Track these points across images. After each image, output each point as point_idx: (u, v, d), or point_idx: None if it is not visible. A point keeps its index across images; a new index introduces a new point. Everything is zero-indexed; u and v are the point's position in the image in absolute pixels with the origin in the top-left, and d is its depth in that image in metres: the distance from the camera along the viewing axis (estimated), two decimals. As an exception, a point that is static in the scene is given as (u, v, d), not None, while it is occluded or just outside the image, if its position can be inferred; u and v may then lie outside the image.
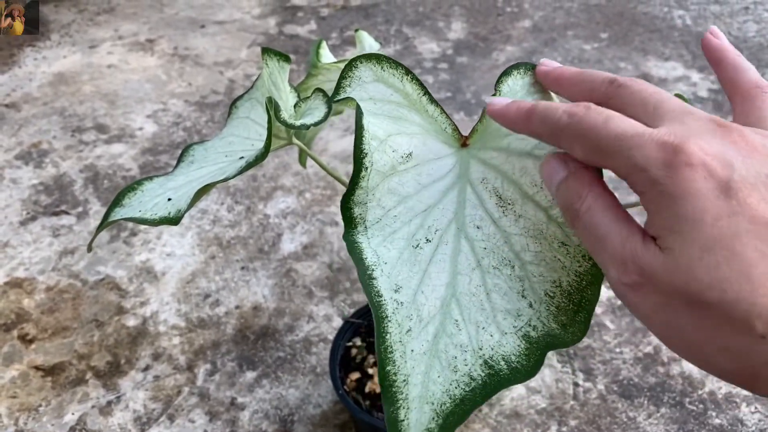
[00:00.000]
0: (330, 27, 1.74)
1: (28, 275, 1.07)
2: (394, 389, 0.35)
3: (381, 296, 0.36)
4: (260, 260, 1.08)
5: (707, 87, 1.47)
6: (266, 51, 0.51)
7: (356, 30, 0.66)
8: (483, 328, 0.36)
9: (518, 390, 0.89)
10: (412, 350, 0.36)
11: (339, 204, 1.17)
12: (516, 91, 0.40)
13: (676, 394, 0.88)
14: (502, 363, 0.36)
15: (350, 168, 1.26)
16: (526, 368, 0.36)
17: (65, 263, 1.09)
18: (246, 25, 1.76)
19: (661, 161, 0.28)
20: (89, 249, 0.57)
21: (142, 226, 1.14)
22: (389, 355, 0.36)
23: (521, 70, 0.40)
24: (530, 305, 0.36)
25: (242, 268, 1.07)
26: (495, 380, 0.36)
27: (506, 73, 0.40)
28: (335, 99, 0.40)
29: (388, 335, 0.36)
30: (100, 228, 0.53)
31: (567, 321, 0.36)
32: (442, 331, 0.36)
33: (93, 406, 0.89)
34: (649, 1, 1.83)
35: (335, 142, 1.33)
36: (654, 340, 0.94)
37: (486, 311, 0.37)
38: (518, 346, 0.36)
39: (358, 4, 1.85)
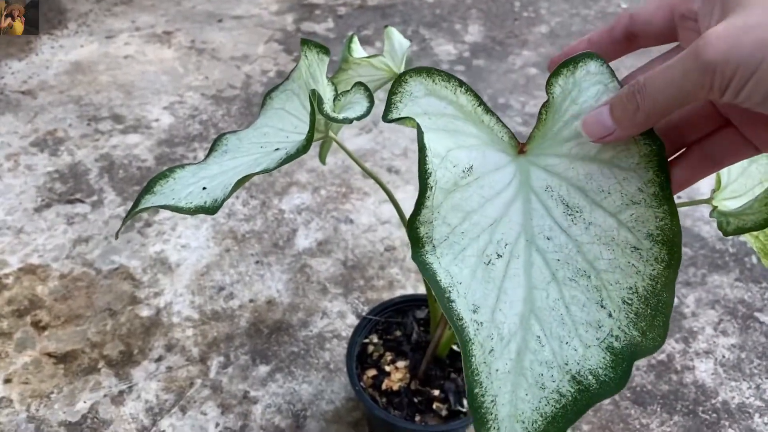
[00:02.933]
0: (347, 26, 1.74)
1: (42, 262, 1.07)
2: (483, 410, 0.35)
3: (462, 319, 0.36)
4: (275, 255, 1.08)
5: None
6: (306, 43, 0.51)
7: (386, 26, 0.66)
8: (566, 342, 0.36)
9: (531, 393, 0.89)
10: (497, 370, 0.36)
11: (353, 202, 1.17)
12: (570, 89, 0.40)
13: (689, 403, 0.88)
14: (590, 377, 0.35)
15: (365, 166, 1.26)
16: (614, 380, 0.35)
17: (79, 251, 1.09)
18: (263, 21, 1.76)
19: None
20: (116, 236, 0.57)
21: (158, 217, 1.14)
22: (476, 378, 0.35)
23: (570, 66, 0.40)
24: (609, 315, 0.36)
25: (257, 262, 1.07)
26: (586, 396, 0.35)
27: (555, 73, 0.40)
28: (390, 118, 0.39)
29: (473, 358, 0.36)
30: (130, 214, 0.53)
31: (646, 327, 0.36)
32: (525, 348, 0.36)
33: (105, 395, 0.89)
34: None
35: (350, 140, 1.33)
36: (667, 347, 0.94)
37: (567, 325, 0.36)
38: (603, 358, 0.36)
39: (375, 4, 1.85)
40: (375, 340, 0.80)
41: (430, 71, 0.40)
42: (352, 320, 0.98)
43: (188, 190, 0.50)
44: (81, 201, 1.19)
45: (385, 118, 0.39)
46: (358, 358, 0.78)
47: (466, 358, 0.36)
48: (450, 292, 0.37)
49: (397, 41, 0.67)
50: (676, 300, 1.01)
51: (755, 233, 0.46)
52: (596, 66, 0.40)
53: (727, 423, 0.86)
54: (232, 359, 0.93)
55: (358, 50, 0.63)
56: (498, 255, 0.38)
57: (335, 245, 1.10)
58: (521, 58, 1.61)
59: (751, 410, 0.87)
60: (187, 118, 1.39)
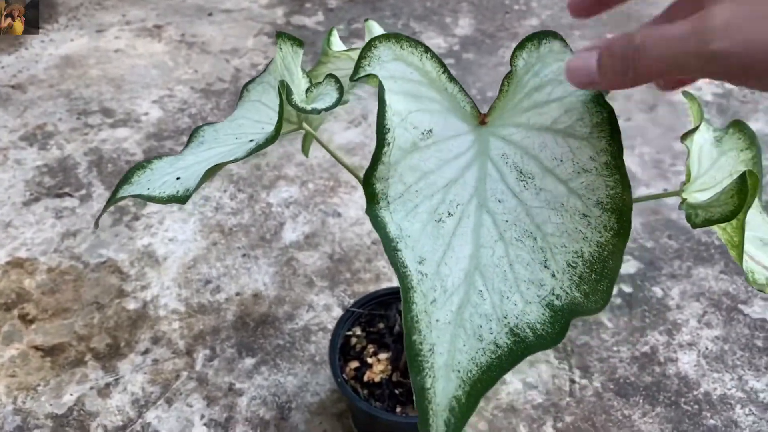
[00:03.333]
0: (337, 18, 1.74)
1: (30, 255, 1.07)
2: (420, 358, 0.36)
3: (406, 267, 0.37)
4: (261, 248, 1.09)
5: (711, 91, 1.47)
6: (280, 35, 0.51)
7: (366, 20, 0.67)
8: (507, 297, 0.37)
9: (515, 385, 0.89)
10: (438, 320, 0.37)
11: (341, 195, 1.18)
12: (533, 63, 0.41)
13: (671, 394, 0.89)
14: (528, 330, 0.37)
15: (354, 160, 1.26)
16: (551, 335, 0.36)
17: (67, 245, 1.09)
18: (253, 14, 1.76)
19: None
20: (96, 225, 0.57)
21: (145, 210, 1.15)
22: (415, 325, 0.36)
23: (535, 42, 0.41)
24: (553, 275, 0.37)
25: (243, 255, 1.07)
26: (521, 347, 0.36)
27: (520, 47, 0.41)
28: (356, 77, 0.40)
29: (414, 305, 0.37)
30: (108, 203, 0.53)
31: (589, 290, 0.37)
32: (467, 301, 0.37)
33: (91, 388, 0.89)
34: (656, 2, 1.83)
35: (340, 134, 1.33)
36: (651, 339, 0.95)
37: (509, 281, 0.37)
38: (543, 314, 0.37)
39: (366, -3, 1.85)
40: (358, 332, 0.81)
41: (398, 37, 0.41)
42: (338, 313, 0.98)
43: (163, 179, 0.50)
44: (69, 195, 1.19)
45: (352, 78, 0.40)
46: (342, 351, 0.79)
47: (407, 305, 0.36)
48: (397, 242, 0.38)
49: (377, 34, 0.68)
50: (660, 292, 1.01)
51: (723, 225, 0.46)
52: (560, 45, 0.41)
53: (708, 414, 0.86)
54: (218, 352, 0.93)
55: (337, 44, 0.63)
56: (449, 213, 0.39)
57: (322, 238, 1.10)
58: (511, 52, 1.61)
59: (732, 401, 0.88)
60: (176, 111, 1.39)
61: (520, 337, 0.36)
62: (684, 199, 0.47)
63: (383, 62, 0.41)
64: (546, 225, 0.38)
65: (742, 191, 0.40)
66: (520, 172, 0.39)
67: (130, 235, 1.10)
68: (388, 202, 0.38)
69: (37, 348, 0.94)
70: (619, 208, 0.37)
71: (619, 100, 1.45)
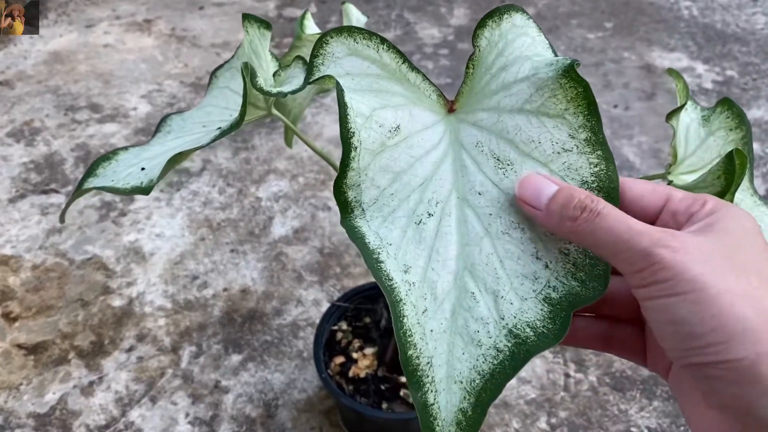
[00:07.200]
0: (330, 10, 1.71)
1: (15, 253, 1.05)
2: (419, 373, 0.34)
3: (391, 279, 0.34)
4: (250, 243, 1.06)
5: (712, 78, 1.44)
6: (247, 18, 0.49)
7: (343, 2, 0.64)
8: (501, 297, 0.35)
9: (508, 379, 0.87)
10: (431, 330, 0.34)
11: (332, 189, 1.16)
12: (496, 41, 0.38)
13: (668, 388, 0.86)
14: (528, 330, 0.34)
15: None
16: (552, 331, 0.34)
17: (52, 242, 1.07)
18: (245, 7, 1.73)
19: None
20: (61, 220, 0.55)
21: (133, 206, 1.13)
22: (409, 339, 0.34)
23: (496, 18, 0.38)
24: (546, 266, 0.35)
25: (232, 250, 1.05)
26: (523, 349, 0.34)
27: (481, 25, 0.38)
28: (310, 80, 0.38)
29: (405, 318, 0.34)
30: (73, 197, 0.52)
31: (586, 277, 0.34)
32: (459, 306, 0.35)
33: (75, 386, 0.87)
34: (655, -9, 1.80)
35: (330, 126, 1.31)
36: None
37: (502, 279, 0.35)
38: (541, 310, 0.34)
39: (359, -12, 1.83)
40: (344, 327, 0.79)
41: (351, 30, 0.38)
42: (327, 308, 0.96)
43: (128, 171, 0.48)
44: (56, 191, 1.17)
45: (306, 81, 0.37)
46: (327, 346, 0.77)
47: (397, 319, 0.34)
48: (379, 253, 0.35)
49: (355, 18, 0.65)
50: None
51: (711, 208, 0.44)
52: (522, 18, 0.38)
53: (707, 407, 0.84)
54: (204, 348, 0.91)
55: (311, 27, 0.61)
56: (429, 214, 0.36)
57: (312, 233, 1.08)
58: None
59: (732, 394, 0.85)
60: (165, 106, 1.37)
61: (521, 337, 0.34)
62: (670, 182, 0.45)
63: (338, 59, 0.38)
64: None
65: (729, 171, 0.38)
66: (498, 160, 0.37)
67: (117, 231, 1.08)
68: (363, 210, 0.36)
69: (20, 346, 0.92)
70: (606, 185, 0.35)
71: (617, 88, 1.42)
